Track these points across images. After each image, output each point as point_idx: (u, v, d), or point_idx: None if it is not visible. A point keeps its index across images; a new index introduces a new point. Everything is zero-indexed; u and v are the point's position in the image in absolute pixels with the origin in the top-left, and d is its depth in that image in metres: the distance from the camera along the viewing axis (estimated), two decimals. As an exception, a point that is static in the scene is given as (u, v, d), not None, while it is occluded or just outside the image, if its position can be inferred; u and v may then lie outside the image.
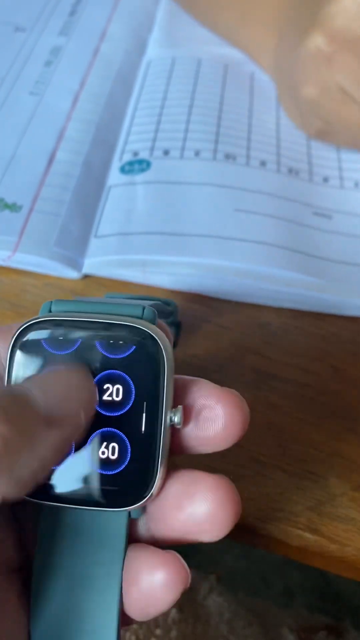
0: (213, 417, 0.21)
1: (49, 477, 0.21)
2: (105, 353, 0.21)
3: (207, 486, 0.21)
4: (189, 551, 0.22)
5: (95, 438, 0.21)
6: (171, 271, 0.35)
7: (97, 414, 0.21)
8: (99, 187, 0.40)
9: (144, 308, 0.21)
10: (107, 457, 0.21)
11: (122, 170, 0.40)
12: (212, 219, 0.37)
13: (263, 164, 0.41)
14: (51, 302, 0.22)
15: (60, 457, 0.20)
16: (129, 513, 0.22)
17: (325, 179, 0.41)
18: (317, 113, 0.40)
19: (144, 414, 0.21)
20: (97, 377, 0.21)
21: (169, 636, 0.41)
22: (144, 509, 0.22)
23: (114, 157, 0.41)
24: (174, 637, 0.41)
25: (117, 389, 0.21)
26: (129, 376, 0.21)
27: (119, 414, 0.21)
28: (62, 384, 0.20)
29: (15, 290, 0.36)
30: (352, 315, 0.35)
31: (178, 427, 0.21)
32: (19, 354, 0.21)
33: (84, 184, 0.39)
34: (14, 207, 0.37)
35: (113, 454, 0.21)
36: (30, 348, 0.21)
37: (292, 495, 0.29)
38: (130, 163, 0.40)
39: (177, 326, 0.32)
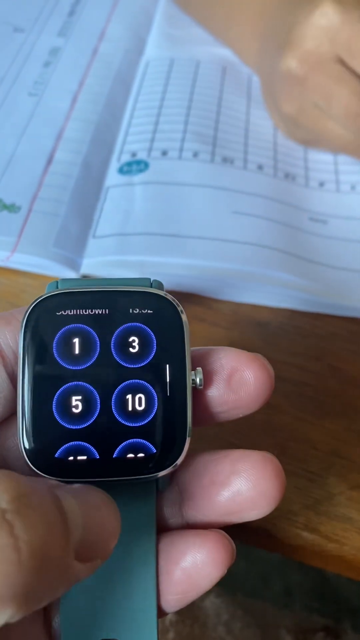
0: (245, 379, 0.21)
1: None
2: (123, 321, 0.21)
3: (254, 462, 0.21)
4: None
5: (122, 393, 0.20)
6: (169, 272, 0.35)
7: (121, 367, 0.20)
8: (98, 188, 0.40)
9: (151, 280, 0.22)
10: (135, 409, 0.20)
11: (121, 171, 0.40)
12: (209, 221, 0.37)
13: (260, 167, 0.41)
14: (57, 281, 0.22)
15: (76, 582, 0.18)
16: (157, 485, 0.22)
17: (322, 184, 0.41)
18: (298, 127, 0.41)
19: (168, 370, 0.21)
20: (115, 333, 0.20)
21: (166, 638, 0.41)
22: (169, 481, 0.22)
23: (112, 157, 0.41)
24: (172, 638, 0.41)
25: (139, 343, 0.21)
26: (151, 331, 0.21)
27: (142, 365, 0.21)
28: (102, 517, 0.18)
29: (14, 290, 0.36)
30: (350, 316, 0.35)
31: (200, 388, 0.21)
32: (34, 328, 0.20)
33: (83, 184, 0.39)
34: (12, 208, 0.37)
35: (140, 408, 0.20)
36: (45, 321, 0.21)
37: (290, 494, 0.29)
38: (129, 164, 0.40)
39: None
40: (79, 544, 0.17)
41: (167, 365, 0.21)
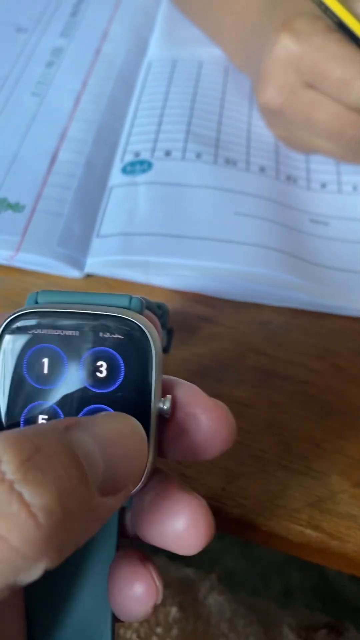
0: (196, 428, 0.21)
1: None
2: (92, 345, 0.20)
3: (185, 505, 0.21)
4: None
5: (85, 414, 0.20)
6: (173, 272, 0.35)
7: (87, 390, 0.20)
8: (101, 187, 0.40)
9: (130, 298, 0.21)
10: None
11: (124, 170, 0.40)
12: (212, 222, 0.37)
13: (262, 169, 0.41)
14: (37, 292, 0.22)
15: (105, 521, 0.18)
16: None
17: (323, 185, 0.41)
18: (292, 145, 0.42)
19: (134, 398, 0.20)
20: (83, 356, 0.20)
21: (170, 634, 0.41)
22: (131, 499, 0.22)
23: (115, 157, 0.42)
24: (175, 635, 0.41)
25: (107, 368, 0.20)
26: (120, 357, 0.20)
27: (109, 390, 0.20)
28: (124, 446, 0.18)
29: (18, 289, 0.36)
30: (353, 315, 0.35)
31: (167, 416, 0.21)
32: (6, 345, 0.21)
33: (86, 183, 0.39)
34: (16, 207, 0.38)
35: None
36: (18, 339, 0.21)
37: (293, 492, 0.29)
38: (132, 164, 0.41)
39: (169, 332, 0.32)
40: (102, 482, 0.17)
41: (133, 393, 0.20)
